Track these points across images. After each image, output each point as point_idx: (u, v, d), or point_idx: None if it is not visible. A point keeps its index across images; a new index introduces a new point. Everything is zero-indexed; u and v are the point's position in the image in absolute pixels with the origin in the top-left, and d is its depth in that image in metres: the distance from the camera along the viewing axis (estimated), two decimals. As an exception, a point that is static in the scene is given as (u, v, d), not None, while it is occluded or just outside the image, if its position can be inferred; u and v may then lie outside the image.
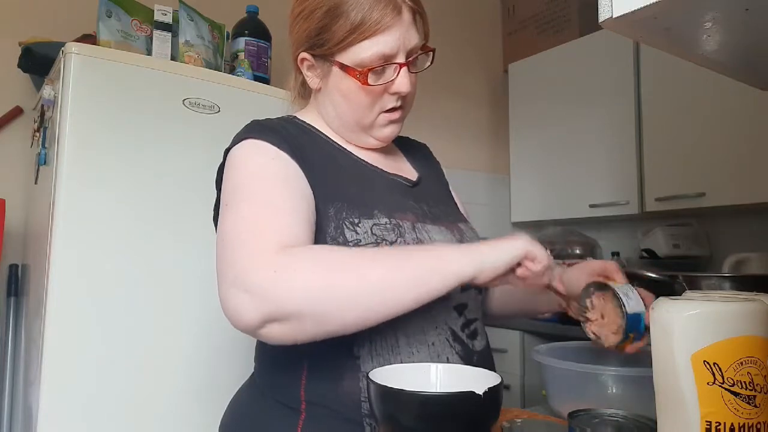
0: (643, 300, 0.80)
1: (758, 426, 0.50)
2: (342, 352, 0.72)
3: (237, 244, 0.66)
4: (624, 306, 0.77)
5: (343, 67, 0.79)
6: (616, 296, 0.79)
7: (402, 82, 0.80)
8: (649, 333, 0.74)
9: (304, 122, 0.87)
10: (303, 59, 0.84)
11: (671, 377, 0.52)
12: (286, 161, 0.76)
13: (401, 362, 0.72)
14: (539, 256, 0.70)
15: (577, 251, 2.46)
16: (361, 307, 0.63)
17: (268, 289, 0.61)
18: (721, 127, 1.95)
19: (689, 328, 0.51)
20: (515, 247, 0.69)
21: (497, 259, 0.68)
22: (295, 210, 0.71)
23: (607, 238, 2.55)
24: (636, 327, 0.77)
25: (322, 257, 0.65)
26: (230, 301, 0.63)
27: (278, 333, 0.63)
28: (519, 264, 0.70)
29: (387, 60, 0.78)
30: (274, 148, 0.76)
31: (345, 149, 0.86)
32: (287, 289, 0.61)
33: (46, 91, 1.40)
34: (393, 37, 0.77)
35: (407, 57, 0.80)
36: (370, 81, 0.78)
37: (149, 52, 1.54)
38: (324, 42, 0.79)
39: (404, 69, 0.79)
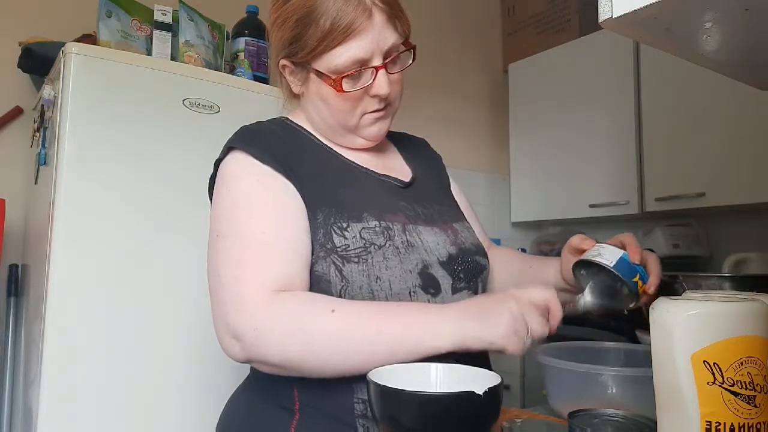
0: (620, 245, 0.78)
1: (758, 426, 0.50)
2: None
3: (226, 290, 0.71)
4: (605, 265, 0.75)
5: (319, 74, 0.79)
6: (591, 264, 0.77)
7: (380, 84, 0.79)
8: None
9: (296, 124, 0.88)
10: (284, 66, 0.84)
11: (671, 377, 0.52)
12: (271, 179, 0.77)
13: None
14: (510, 351, 0.66)
15: (577, 251, 2.46)
16: (333, 370, 0.69)
17: (251, 343, 0.68)
18: (721, 127, 1.95)
19: (689, 328, 0.51)
20: (486, 339, 0.66)
21: (469, 343, 0.66)
22: (282, 241, 0.73)
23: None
24: (629, 271, 0.75)
25: (302, 321, 0.68)
26: (222, 341, 0.71)
27: (265, 369, 0.72)
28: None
29: (363, 64, 0.78)
30: (259, 164, 0.77)
31: (335, 151, 0.86)
32: (267, 348, 0.68)
33: (46, 91, 1.40)
34: (365, 41, 0.76)
35: (385, 58, 0.79)
36: (345, 87, 0.78)
37: (149, 52, 1.54)
38: (298, 50, 0.79)
39: (381, 71, 0.79)
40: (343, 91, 0.78)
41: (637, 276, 0.76)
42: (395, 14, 0.79)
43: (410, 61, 0.84)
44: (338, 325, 0.68)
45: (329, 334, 0.68)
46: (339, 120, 0.83)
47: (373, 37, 0.77)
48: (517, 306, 0.67)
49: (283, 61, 0.83)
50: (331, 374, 0.69)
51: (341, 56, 0.76)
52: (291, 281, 0.72)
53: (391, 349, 0.67)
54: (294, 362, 0.68)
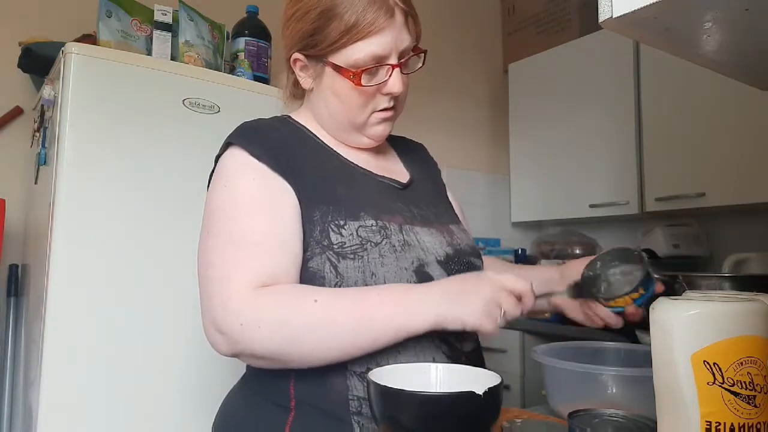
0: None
1: (758, 426, 0.50)
2: None
3: (214, 285, 0.72)
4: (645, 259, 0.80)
5: (337, 68, 0.80)
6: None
7: (394, 82, 0.81)
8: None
9: (297, 122, 0.88)
10: (296, 60, 0.84)
11: (671, 377, 0.52)
12: (267, 177, 0.77)
13: (387, 360, 0.73)
14: (485, 329, 0.69)
15: (577, 251, 2.46)
16: (319, 358, 0.71)
17: (237, 338, 0.69)
18: (721, 127, 1.95)
19: (689, 328, 0.51)
20: (461, 318, 0.69)
21: (447, 322, 0.69)
22: (272, 241, 0.74)
23: (607, 238, 2.55)
24: (648, 285, 0.79)
25: (287, 313, 0.70)
26: (209, 336, 0.72)
27: (252, 362, 0.75)
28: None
29: (380, 61, 0.79)
30: (256, 162, 0.78)
31: (335, 151, 0.87)
32: (253, 341, 0.69)
33: (46, 91, 1.40)
34: (386, 39, 0.78)
35: (399, 58, 0.81)
36: (363, 82, 0.79)
37: (149, 52, 1.54)
38: (317, 43, 0.80)
39: (397, 70, 0.80)
40: (362, 85, 0.79)
41: (640, 293, 0.79)
42: (412, 15, 0.82)
43: (420, 65, 0.86)
44: (323, 316, 0.69)
45: (314, 326, 0.69)
46: (349, 116, 0.84)
47: (393, 36, 0.79)
48: (491, 290, 0.70)
49: (296, 55, 0.84)
50: (317, 364, 0.71)
51: (361, 51, 0.78)
52: (278, 279, 0.73)
53: (374, 335, 0.70)
54: (280, 354, 0.70)
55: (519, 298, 0.72)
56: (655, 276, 0.79)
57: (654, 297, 0.79)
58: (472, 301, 0.69)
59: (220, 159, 0.82)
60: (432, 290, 0.72)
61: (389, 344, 0.70)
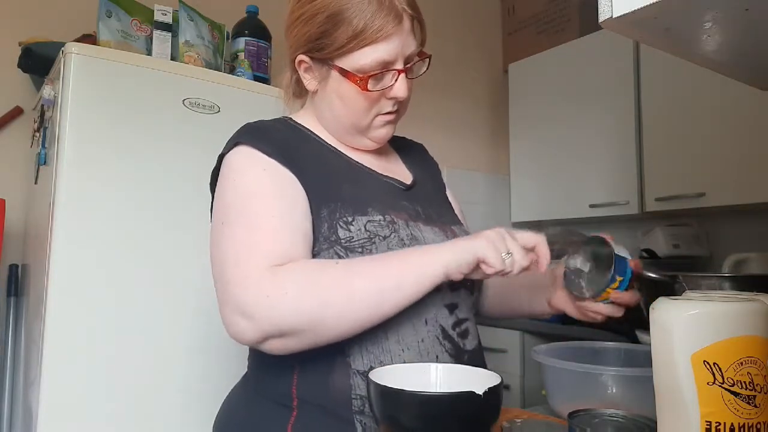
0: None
1: (758, 426, 0.50)
2: (332, 350, 0.73)
3: (232, 269, 0.71)
4: (611, 245, 0.80)
5: (343, 72, 0.80)
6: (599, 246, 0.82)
7: (400, 87, 0.81)
8: (631, 285, 0.79)
9: (299, 124, 0.88)
10: (300, 62, 0.84)
11: (671, 377, 0.52)
12: (277, 170, 0.77)
13: (391, 359, 0.73)
14: (490, 261, 0.71)
15: (577, 251, 2.46)
16: (349, 319, 0.69)
17: (264, 313, 0.67)
18: (721, 127, 1.95)
19: (689, 328, 0.51)
20: (470, 251, 0.72)
21: (460, 260, 0.71)
22: (287, 225, 0.74)
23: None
24: (622, 269, 0.79)
25: (311, 276, 0.69)
26: (231, 325, 0.70)
27: (278, 346, 0.70)
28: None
29: (386, 66, 0.79)
30: (266, 158, 0.78)
31: (339, 151, 0.87)
32: (281, 311, 0.67)
33: (46, 91, 1.40)
34: (393, 45, 0.78)
35: (405, 63, 0.81)
36: (369, 87, 0.79)
37: (149, 52, 1.54)
38: (324, 47, 0.80)
39: (402, 75, 0.81)
40: (368, 90, 0.79)
41: (619, 280, 0.79)
42: (419, 22, 0.82)
43: (424, 69, 0.86)
44: (347, 271, 0.70)
45: (340, 282, 0.69)
46: (353, 119, 0.84)
47: (400, 42, 0.79)
48: (495, 232, 0.73)
49: (301, 57, 0.83)
50: (348, 326, 0.69)
51: (368, 57, 0.78)
52: (293, 260, 0.72)
53: (398, 282, 0.70)
54: (312, 321, 0.68)
55: (531, 251, 0.75)
56: (620, 253, 0.79)
57: (634, 275, 0.80)
58: (478, 237, 0.73)
59: (226, 157, 0.81)
60: (442, 243, 0.75)
61: (413, 297, 0.70)
